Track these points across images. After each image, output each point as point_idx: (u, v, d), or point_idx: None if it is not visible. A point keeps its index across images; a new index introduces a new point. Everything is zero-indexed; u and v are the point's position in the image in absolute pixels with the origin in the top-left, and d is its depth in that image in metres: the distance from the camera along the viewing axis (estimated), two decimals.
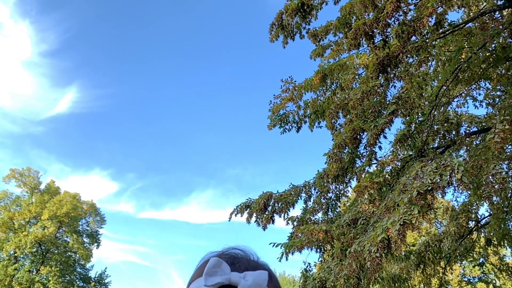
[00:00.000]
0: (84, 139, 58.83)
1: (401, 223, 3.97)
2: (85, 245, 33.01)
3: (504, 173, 7.28)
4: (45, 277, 30.25)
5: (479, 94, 10.15)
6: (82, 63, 59.55)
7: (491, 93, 10.08)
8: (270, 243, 7.31)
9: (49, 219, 30.79)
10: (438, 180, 4.39)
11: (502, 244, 8.76)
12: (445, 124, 7.63)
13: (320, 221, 7.70)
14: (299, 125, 10.11)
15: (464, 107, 10.72)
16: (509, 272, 9.79)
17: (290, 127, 10.11)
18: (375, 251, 4.22)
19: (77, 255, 32.49)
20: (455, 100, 10.58)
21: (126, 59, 61.57)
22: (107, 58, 60.70)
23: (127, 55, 61.51)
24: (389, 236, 4.18)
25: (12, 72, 49.94)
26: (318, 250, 7.12)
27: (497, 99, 9.92)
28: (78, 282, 32.10)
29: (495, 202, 7.68)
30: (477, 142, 8.22)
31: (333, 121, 8.73)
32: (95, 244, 34.11)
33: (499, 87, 9.62)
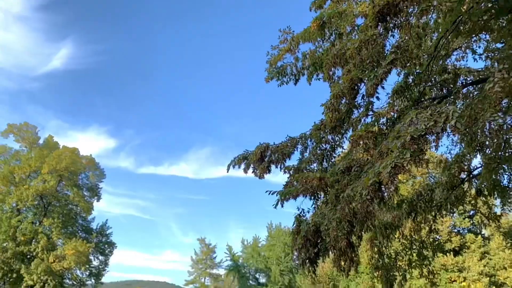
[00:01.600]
0: (81, 96, 58.52)
1: (393, 166, 4.07)
2: (85, 198, 33.68)
3: (501, 123, 7.36)
4: (48, 228, 31.10)
5: (479, 47, 9.99)
6: (76, 18, 57.95)
7: (492, 46, 9.93)
8: (266, 191, 7.50)
9: (49, 173, 31.17)
10: (432, 126, 4.45)
11: (493, 194, 8.99)
12: (443, 75, 7.61)
13: (315, 171, 7.85)
14: (297, 78, 10.02)
15: (463, 60, 10.58)
16: (497, 222, 10.13)
17: (288, 79, 10.02)
18: (366, 194, 4.36)
19: (78, 208, 33.23)
20: (455, 53, 10.44)
21: (122, 14, 59.87)
22: (102, 12, 59.00)
23: (122, 9, 59.72)
24: (381, 180, 4.31)
25: (4, 27, 48.71)
26: (312, 197, 7.31)
27: (497, 52, 9.78)
28: (80, 233, 33.06)
29: (488, 152, 7.81)
30: (474, 95, 8.23)
31: (330, 72, 8.67)
32: (96, 197, 34.79)
33: (500, 39, 9.47)
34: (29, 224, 30.19)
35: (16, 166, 31.90)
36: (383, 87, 6.78)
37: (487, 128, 5.40)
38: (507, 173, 9.08)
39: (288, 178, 8.04)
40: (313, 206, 7.38)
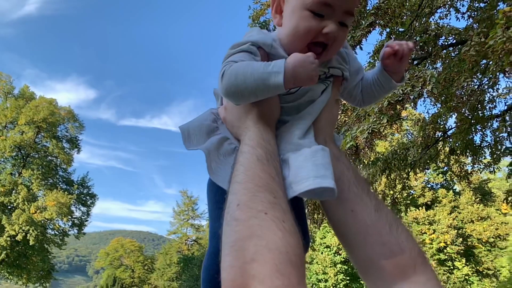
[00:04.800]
0: (58, 43, 56.24)
1: (370, 131, 4.18)
2: (65, 150, 33.32)
3: (475, 85, 7.52)
4: (28, 179, 30.94)
5: (463, 5, 9.96)
6: None
7: (475, 5, 9.90)
8: None
9: (26, 124, 30.54)
10: (409, 91, 4.53)
11: (465, 153, 9.34)
12: (424, 36, 7.61)
13: None
14: None
15: (447, 19, 10.55)
16: (467, 180, 10.61)
17: None
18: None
19: (58, 159, 32.95)
20: (438, 11, 10.38)
21: None
22: None
23: None
24: (358, 144, 4.43)
25: None
26: None
27: (480, 12, 9.78)
28: (61, 185, 33.05)
29: (462, 112, 8.03)
30: (454, 56, 8.30)
31: None
32: (76, 149, 34.46)
33: None
34: (8, 175, 29.95)
35: None
36: (361, 48, 6.75)
37: (461, 92, 5.53)
38: (479, 133, 9.41)
39: None
40: None
